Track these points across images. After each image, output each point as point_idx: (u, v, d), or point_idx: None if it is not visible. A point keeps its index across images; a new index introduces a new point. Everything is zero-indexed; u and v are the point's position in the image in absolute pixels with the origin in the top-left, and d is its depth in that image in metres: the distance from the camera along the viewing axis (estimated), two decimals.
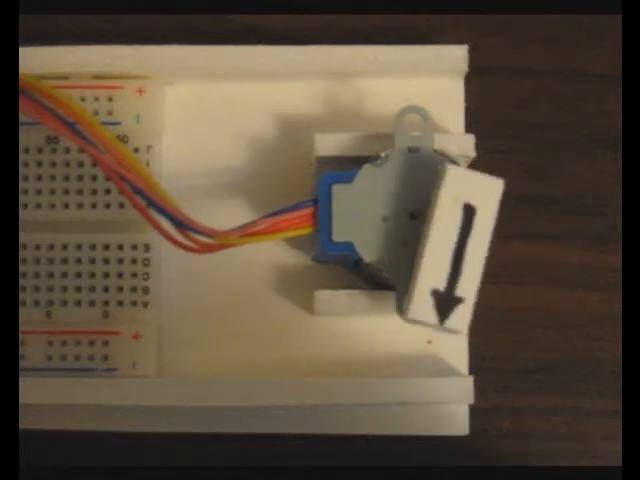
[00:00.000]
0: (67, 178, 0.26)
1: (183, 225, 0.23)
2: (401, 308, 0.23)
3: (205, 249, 0.24)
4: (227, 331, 0.26)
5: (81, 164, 0.26)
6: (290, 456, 0.27)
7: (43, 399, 0.25)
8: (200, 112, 0.27)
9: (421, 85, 0.27)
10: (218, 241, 0.23)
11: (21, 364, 0.26)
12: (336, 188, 0.24)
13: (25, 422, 0.25)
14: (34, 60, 0.25)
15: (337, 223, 0.24)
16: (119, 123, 0.26)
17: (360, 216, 0.24)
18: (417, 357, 0.26)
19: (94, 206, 0.26)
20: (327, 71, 0.26)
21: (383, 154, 0.24)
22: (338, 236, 0.24)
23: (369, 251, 0.24)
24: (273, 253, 0.27)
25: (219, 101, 0.27)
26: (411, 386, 0.25)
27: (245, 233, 0.24)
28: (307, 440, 0.27)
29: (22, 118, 0.23)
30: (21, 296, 0.26)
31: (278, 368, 0.26)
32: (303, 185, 0.26)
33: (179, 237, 0.23)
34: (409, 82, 0.27)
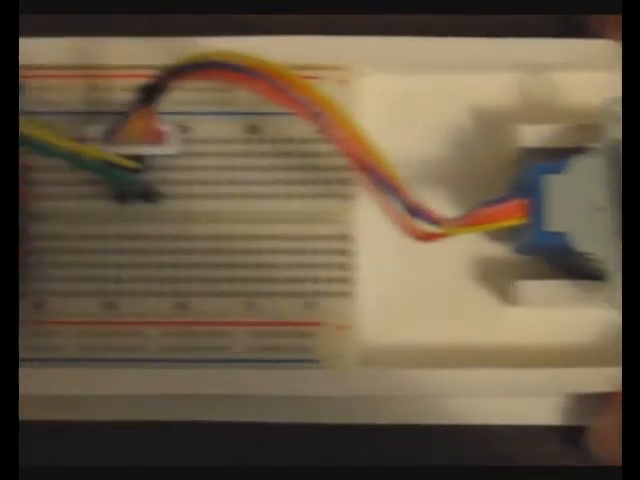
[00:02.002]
0: (263, 169, 0.26)
1: (413, 210, 0.23)
2: (613, 299, 0.23)
3: (426, 237, 0.24)
4: (426, 321, 0.26)
5: (276, 154, 0.26)
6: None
7: (247, 389, 0.25)
8: (396, 103, 0.27)
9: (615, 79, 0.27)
10: (444, 230, 0.23)
11: (225, 355, 0.26)
12: (548, 179, 0.24)
13: (233, 414, 0.26)
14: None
15: (551, 214, 0.24)
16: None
17: (574, 206, 0.24)
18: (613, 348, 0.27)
19: (290, 197, 0.26)
20: (520, 63, 0.27)
21: (595, 144, 0.24)
22: (552, 227, 0.24)
23: (584, 242, 0.24)
24: (471, 243, 0.27)
25: (415, 92, 0.27)
26: (603, 376, 0.25)
27: (465, 223, 0.24)
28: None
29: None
30: (225, 287, 0.26)
31: (472, 358, 0.26)
32: (500, 176, 0.26)
33: (405, 222, 0.23)
34: (601, 75, 0.27)
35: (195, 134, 0.26)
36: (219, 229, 0.26)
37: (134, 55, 0.26)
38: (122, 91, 0.26)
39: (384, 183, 0.23)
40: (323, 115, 0.22)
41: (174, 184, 0.26)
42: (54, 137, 0.24)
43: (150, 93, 0.23)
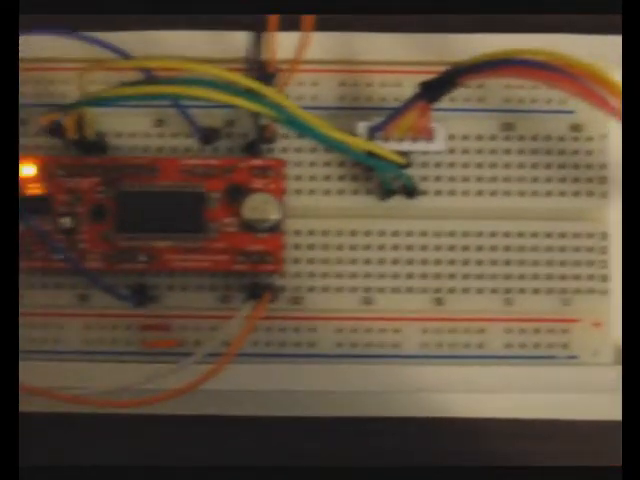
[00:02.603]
0: (522, 165, 0.26)
1: None
2: None
3: None
4: None
5: (535, 151, 0.26)
6: None
7: (504, 386, 0.25)
8: None
9: None
10: None
11: (479, 351, 0.26)
12: None
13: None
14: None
15: None
16: (572, 112, 0.26)
17: None
18: None
19: (549, 194, 0.26)
20: None
21: None
22: None
23: None
24: None
25: None
26: None
27: None
28: None
29: None
30: (484, 284, 0.26)
31: None
32: None
33: None
34: None
35: (451, 130, 0.26)
36: (479, 226, 0.26)
37: (393, 51, 0.26)
38: (381, 87, 0.26)
39: None
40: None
41: (433, 180, 0.26)
42: (327, 127, 0.24)
43: (435, 89, 0.23)
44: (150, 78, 0.24)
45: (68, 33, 0.23)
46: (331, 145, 0.24)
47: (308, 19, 0.23)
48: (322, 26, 0.26)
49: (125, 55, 0.24)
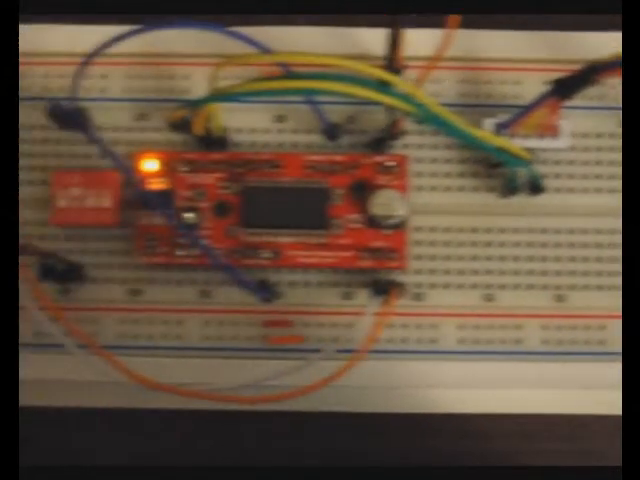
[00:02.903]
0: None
1: None
2: None
3: None
4: None
5: None
6: None
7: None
8: None
9: None
10: None
11: (599, 348, 0.26)
12: None
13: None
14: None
15: None
16: None
17: None
18: None
19: None
20: None
21: None
22: None
23: None
24: None
25: None
26: None
27: None
28: None
29: None
30: (600, 281, 0.26)
31: None
32: None
33: None
34: None
35: (569, 128, 0.26)
36: (598, 223, 0.26)
37: (516, 49, 0.26)
38: (501, 84, 0.26)
39: None
40: None
41: (553, 178, 0.26)
42: (463, 123, 0.23)
43: (570, 86, 0.23)
44: (287, 73, 0.24)
45: (214, 27, 0.23)
46: (466, 141, 0.24)
47: (453, 18, 0.23)
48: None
49: (265, 49, 0.24)
